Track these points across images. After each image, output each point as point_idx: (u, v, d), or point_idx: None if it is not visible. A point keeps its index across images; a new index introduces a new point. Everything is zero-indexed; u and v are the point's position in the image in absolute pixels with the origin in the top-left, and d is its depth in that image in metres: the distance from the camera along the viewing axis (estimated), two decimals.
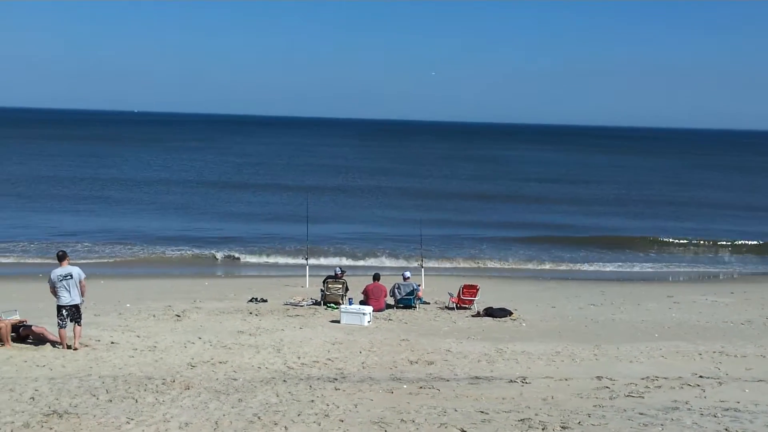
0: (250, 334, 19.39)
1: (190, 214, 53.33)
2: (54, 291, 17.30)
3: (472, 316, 23.42)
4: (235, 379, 14.84)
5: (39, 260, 35.04)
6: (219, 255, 38.43)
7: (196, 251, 39.40)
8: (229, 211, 55.15)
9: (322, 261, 36.25)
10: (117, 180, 73.08)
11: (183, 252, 39.18)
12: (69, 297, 17.24)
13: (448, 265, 37.81)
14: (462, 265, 38.28)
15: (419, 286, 25.34)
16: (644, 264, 40.31)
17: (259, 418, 12.32)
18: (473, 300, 24.69)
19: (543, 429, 11.97)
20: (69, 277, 17.25)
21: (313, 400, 13.42)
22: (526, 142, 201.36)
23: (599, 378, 15.63)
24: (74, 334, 17.30)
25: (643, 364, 17.22)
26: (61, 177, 73.52)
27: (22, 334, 17.94)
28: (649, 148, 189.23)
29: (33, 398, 13.16)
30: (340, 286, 24.47)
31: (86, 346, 17.32)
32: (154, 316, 21.61)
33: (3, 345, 17.32)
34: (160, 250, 39.13)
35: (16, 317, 18.52)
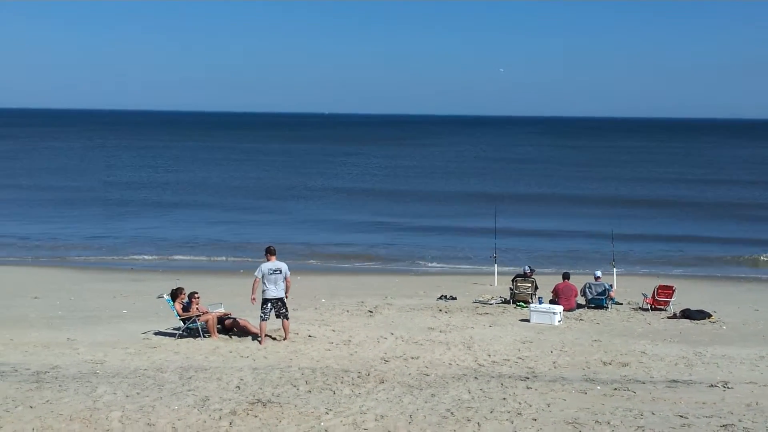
0: (440, 331, 19.62)
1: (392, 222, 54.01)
2: (260, 284, 18.06)
3: (668, 317, 22.62)
4: (427, 375, 15.08)
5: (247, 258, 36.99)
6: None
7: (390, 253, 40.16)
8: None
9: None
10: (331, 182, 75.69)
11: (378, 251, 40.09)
12: (275, 291, 18.02)
13: (641, 266, 36.61)
14: (657, 265, 36.97)
15: (611, 286, 24.73)
16: None
17: (452, 413, 12.47)
18: (669, 301, 23.81)
19: None
20: (278, 271, 18.04)
21: (505, 398, 13.42)
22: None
23: None
24: (284, 328, 18.15)
25: None
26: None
27: (227, 326, 19.00)
28: None
29: (238, 387, 13.91)
30: (530, 284, 24.29)
31: (284, 339, 18.11)
32: (347, 311, 22.27)
33: (210, 336, 18.41)
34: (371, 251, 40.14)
35: (221, 310, 19.64)
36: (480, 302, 24.66)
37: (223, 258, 37.72)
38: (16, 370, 14.91)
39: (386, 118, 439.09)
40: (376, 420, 12.10)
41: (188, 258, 37.74)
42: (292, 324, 18.60)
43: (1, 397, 12.99)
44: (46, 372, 14.83)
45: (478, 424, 11.97)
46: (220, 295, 23.35)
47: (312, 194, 64.90)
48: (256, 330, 18.42)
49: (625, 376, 15.42)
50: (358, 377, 14.69)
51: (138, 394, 13.35)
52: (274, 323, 18.25)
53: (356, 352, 17.17)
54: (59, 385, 13.80)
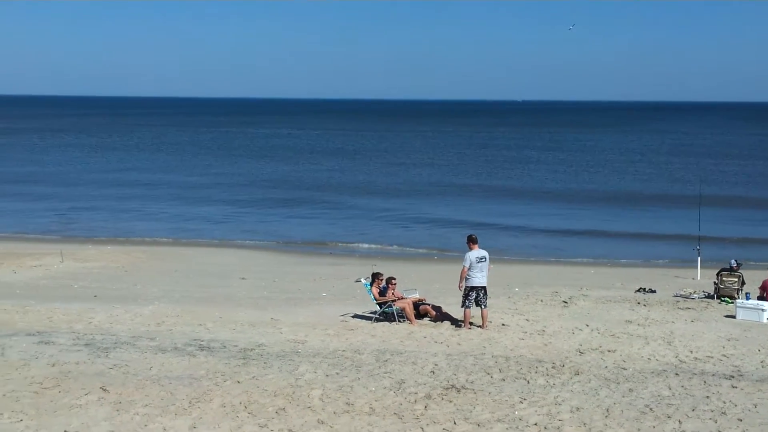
0: (638, 324, 19.03)
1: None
2: (467, 272, 18.23)
3: None
4: (625, 369, 14.68)
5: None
6: None
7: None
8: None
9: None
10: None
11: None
12: (481, 279, 18.18)
13: None
14: None
15: None
16: None
17: (651, 409, 12.09)
18: None
19: None
20: (484, 259, 18.21)
21: (708, 396, 12.86)
22: None
23: None
24: (482, 316, 18.28)
25: None
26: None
27: (422, 311, 19.30)
28: None
29: (433, 372, 14.10)
30: (736, 279, 23.07)
31: (481, 327, 18.18)
32: (541, 301, 22.03)
33: (405, 321, 18.77)
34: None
35: (416, 295, 19.96)
36: (681, 296, 23.70)
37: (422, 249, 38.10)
38: (225, 347, 15.81)
39: (567, 105, 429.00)
40: (571, 412, 11.92)
41: (393, 247, 38.26)
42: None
43: (212, 371, 13.82)
44: (252, 349, 15.63)
45: (679, 421, 11.53)
46: (415, 281, 23.73)
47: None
48: (456, 316, 18.65)
49: None
50: (553, 368, 14.52)
51: (337, 374, 13.82)
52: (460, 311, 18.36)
53: (550, 342, 16.98)
54: (264, 362, 14.52)
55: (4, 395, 12.25)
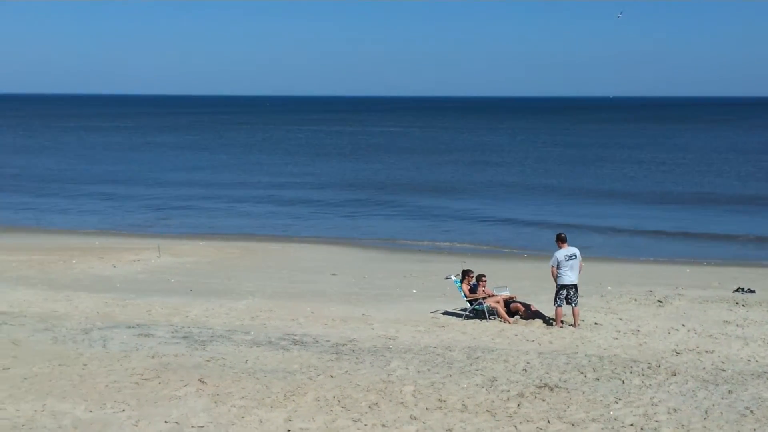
0: (737, 325, 18.51)
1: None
2: (557, 270, 18.13)
3: None
4: (723, 370, 14.31)
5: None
6: None
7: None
8: None
9: None
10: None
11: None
12: (571, 277, 18.06)
13: None
14: None
15: None
16: None
17: (751, 411, 11.78)
18: None
19: None
20: (574, 257, 18.08)
21: None
22: None
23: None
24: (573, 314, 18.10)
25: None
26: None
27: (512, 309, 19.17)
28: None
29: (525, 370, 14.02)
30: None
31: (573, 325, 17.98)
32: (635, 300, 21.61)
33: (496, 318, 18.69)
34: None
35: (506, 293, 19.83)
36: None
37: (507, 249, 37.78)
38: (317, 341, 16.02)
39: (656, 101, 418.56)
40: (668, 413, 11.70)
41: (482, 245, 38.06)
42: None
43: (305, 365, 14.04)
44: (344, 344, 15.80)
45: None
46: (505, 278, 23.57)
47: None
48: (547, 314, 18.52)
49: None
50: (648, 368, 14.25)
51: (428, 370, 13.86)
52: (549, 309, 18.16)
53: (645, 342, 16.67)
54: (356, 358, 14.66)
55: (106, 386, 12.69)
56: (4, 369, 13.48)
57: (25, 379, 13.00)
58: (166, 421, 11.24)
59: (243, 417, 11.43)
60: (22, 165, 74.42)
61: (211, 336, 16.18)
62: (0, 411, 11.56)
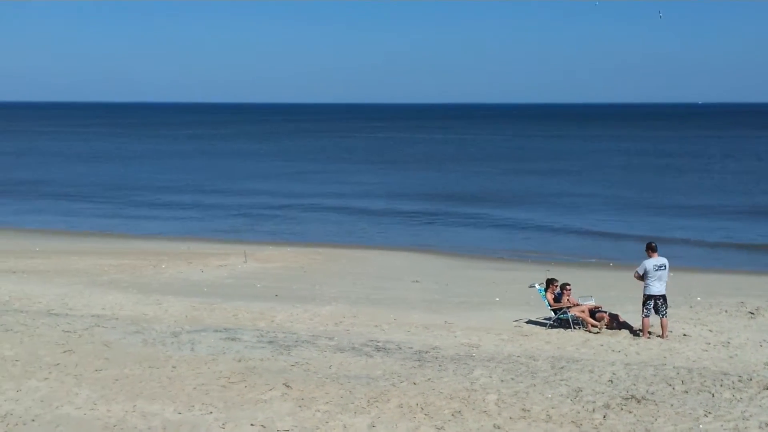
0: None
1: None
2: (644, 279, 17.79)
3: None
4: None
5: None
6: None
7: None
8: None
9: None
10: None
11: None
12: (659, 287, 17.73)
13: None
14: None
15: None
16: None
17: None
18: None
19: None
20: (663, 267, 17.75)
21: None
22: None
23: None
24: (662, 325, 17.77)
25: None
26: None
27: (597, 319, 18.89)
28: None
29: (611, 381, 13.80)
30: None
31: (661, 336, 17.63)
32: (725, 311, 21.04)
33: (580, 328, 18.45)
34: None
35: (591, 302, 19.56)
36: None
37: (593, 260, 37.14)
38: (400, 348, 16.07)
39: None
40: (760, 428, 11.38)
41: (564, 255, 37.58)
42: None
43: (388, 372, 14.09)
44: (426, 351, 15.81)
45: None
46: (590, 287, 23.23)
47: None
48: (633, 325, 18.21)
49: None
50: (739, 381, 13.86)
51: (512, 379, 13.76)
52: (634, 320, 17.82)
53: (736, 354, 16.23)
54: (439, 365, 14.66)
55: (194, 388, 12.97)
56: (96, 370, 13.90)
57: (117, 380, 13.38)
58: (252, 424, 11.43)
59: (327, 422, 11.54)
60: (104, 173, 76.11)
61: (296, 341, 16.38)
62: (92, 411, 11.93)
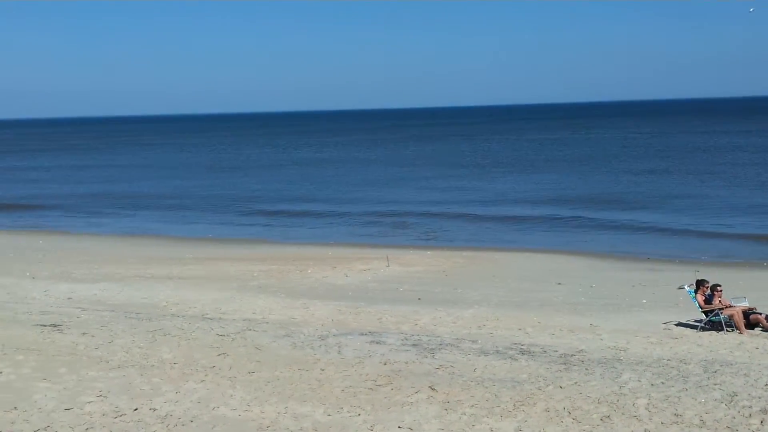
0: None
1: None
2: None
3: None
4: None
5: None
6: None
7: None
8: None
9: None
10: None
11: None
12: None
13: None
14: None
15: None
16: None
17: None
18: None
19: None
20: None
21: None
22: None
23: None
24: None
25: None
26: None
27: (752, 321, 18.19)
28: None
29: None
30: None
31: None
32: None
33: (733, 331, 17.79)
34: None
35: (745, 304, 18.86)
36: None
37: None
38: (545, 351, 15.93)
39: None
40: None
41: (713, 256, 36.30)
42: None
43: (534, 375, 14.00)
44: (572, 355, 15.61)
45: None
46: (743, 288, 22.37)
47: None
48: None
49: None
50: None
51: (663, 383, 13.42)
52: None
53: None
54: (585, 369, 14.45)
55: (342, 390, 13.26)
56: (249, 373, 14.42)
57: (269, 382, 13.83)
58: (399, 427, 11.60)
59: (473, 425, 11.59)
60: (231, 184, 77.61)
61: (440, 344, 16.50)
62: (247, 412, 12.39)
